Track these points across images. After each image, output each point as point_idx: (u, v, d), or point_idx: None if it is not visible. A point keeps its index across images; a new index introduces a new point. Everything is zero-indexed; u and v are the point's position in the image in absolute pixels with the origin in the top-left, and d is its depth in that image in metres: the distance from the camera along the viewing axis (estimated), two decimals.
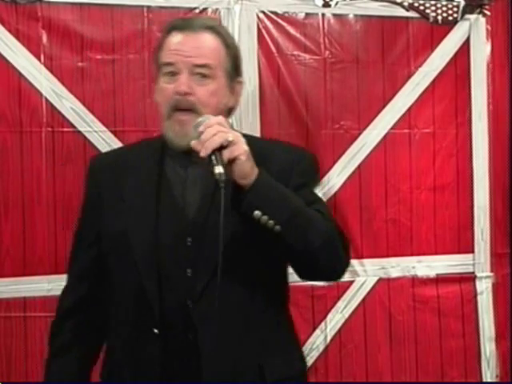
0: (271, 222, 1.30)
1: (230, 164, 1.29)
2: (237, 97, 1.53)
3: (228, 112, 1.53)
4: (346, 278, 2.81)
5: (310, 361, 2.66)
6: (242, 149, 1.30)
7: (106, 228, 1.49)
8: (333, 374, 2.78)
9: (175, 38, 1.46)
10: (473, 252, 2.99)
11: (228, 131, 1.31)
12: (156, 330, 1.41)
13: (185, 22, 1.53)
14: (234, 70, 1.50)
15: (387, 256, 2.89)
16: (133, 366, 1.45)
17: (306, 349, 2.64)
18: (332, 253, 1.38)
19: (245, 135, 1.40)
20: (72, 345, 1.57)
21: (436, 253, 2.96)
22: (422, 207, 2.94)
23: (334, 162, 2.79)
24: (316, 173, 1.59)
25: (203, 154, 1.28)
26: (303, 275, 1.48)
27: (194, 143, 1.31)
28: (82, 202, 1.64)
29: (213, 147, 1.28)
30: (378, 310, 2.89)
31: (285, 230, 1.32)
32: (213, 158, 1.28)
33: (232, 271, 1.37)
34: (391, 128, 2.89)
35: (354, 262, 2.81)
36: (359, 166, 2.85)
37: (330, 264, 1.40)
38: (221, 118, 1.35)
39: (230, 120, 1.58)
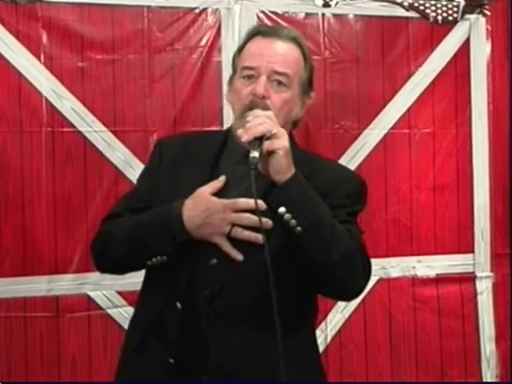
0: (293, 221, 1.33)
1: (268, 156, 1.33)
2: (304, 110, 1.58)
3: (294, 124, 1.57)
4: None
5: None
6: (282, 143, 1.34)
7: (157, 202, 1.52)
8: (333, 373, 2.78)
9: (259, 43, 1.51)
10: (473, 252, 2.99)
11: (274, 124, 1.35)
12: (179, 305, 1.44)
13: (270, 29, 1.61)
14: (309, 83, 1.57)
15: (387, 256, 2.89)
16: (153, 340, 1.48)
17: None
18: (348, 271, 1.38)
19: (304, 151, 1.51)
20: None
21: (436, 253, 2.96)
22: (422, 207, 2.94)
23: None
24: (363, 200, 1.56)
25: (245, 139, 1.33)
26: (317, 289, 1.50)
27: (239, 131, 1.36)
28: (142, 169, 1.71)
29: (255, 135, 1.33)
30: (378, 310, 2.89)
31: (305, 234, 1.33)
32: (252, 145, 1.32)
33: (260, 272, 1.36)
34: (391, 128, 2.89)
35: None
36: (359, 166, 2.85)
37: (344, 282, 1.39)
38: (270, 113, 1.39)
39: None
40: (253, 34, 1.54)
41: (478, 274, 2.98)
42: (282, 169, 1.34)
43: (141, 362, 1.50)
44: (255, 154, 1.32)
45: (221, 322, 1.40)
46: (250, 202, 1.36)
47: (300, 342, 1.49)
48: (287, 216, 1.33)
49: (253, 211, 1.37)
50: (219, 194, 1.47)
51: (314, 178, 1.44)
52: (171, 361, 1.45)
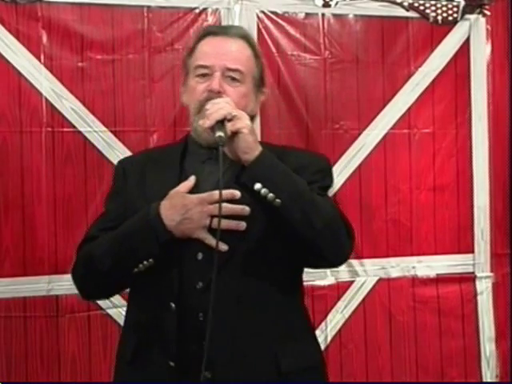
0: (271, 195, 1.33)
1: (233, 137, 1.36)
2: (259, 105, 1.60)
3: (251, 119, 1.54)
4: (346, 278, 2.82)
5: None
6: (244, 123, 1.37)
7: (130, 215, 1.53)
8: (333, 374, 2.78)
9: (211, 42, 1.54)
10: (473, 252, 2.99)
11: (233, 107, 1.40)
12: (173, 305, 1.44)
13: (220, 28, 1.66)
14: (261, 79, 1.59)
15: (387, 256, 2.89)
16: (150, 346, 1.47)
17: None
18: (334, 237, 1.39)
19: (268, 143, 1.53)
20: None
21: (436, 253, 2.96)
22: (422, 207, 2.94)
23: (334, 162, 2.78)
24: (331, 176, 1.60)
25: (207, 124, 1.36)
26: (305, 261, 1.51)
27: (201, 121, 1.40)
28: (107, 194, 1.70)
29: (216, 118, 1.36)
30: (378, 310, 2.89)
31: (285, 206, 1.33)
32: (216, 126, 1.35)
33: (249, 258, 1.44)
34: (391, 128, 2.90)
35: (353, 262, 2.81)
36: (359, 166, 2.85)
37: (331, 248, 1.40)
38: (228, 99, 1.44)
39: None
40: (203, 35, 1.57)
41: (478, 274, 2.98)
42: (250, 147, 1.36)
43: (139, 370, 1.49)
44: (220, 133, 1.34)
45: (217, 313, 1.38)
46: (224, 192, 1.37)
47: (294, 320, 1.51)
48: (264, 191, 1.33)
49: (229, 201, 1.39)
50: (191, 193, 1.47)
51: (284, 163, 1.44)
52: (172, 364, 1.44)
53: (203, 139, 1.50)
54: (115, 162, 2.59)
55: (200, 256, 1.47)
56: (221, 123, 1.36)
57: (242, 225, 1.39)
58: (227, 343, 1.42)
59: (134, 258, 1.47)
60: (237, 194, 1.38)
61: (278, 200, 1.33)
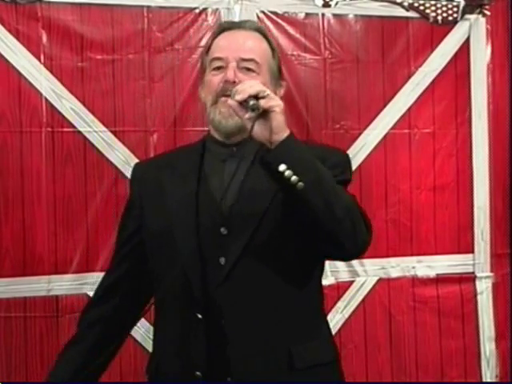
0: (295, 177, 1.28)
1: (263, 115, 1.31)
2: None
3: None
4: (346, 278, 2.82)
5: None
6: (277, 102, 1.33)
7: (150, 226, 1.53)
8: None
9: (225, 36, 1.53)
10: (473, 252, 2.99)
11: (261, 86, 1.34)
12: (200, 316, 1.42)
13: (234, 23, 1.62)
14: (278, 71, 1.56)
15: (387, 256, 2.89)
16: (182, 356, 1.46)
17: None
18: (353, 227, 1.36)
19: None
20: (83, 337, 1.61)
21: (436, 253, 2.96)
22: (422, 207, 2.94)
23: None
24: (349, 170, 1.58)
25: (239, 97, 1.31)
26: (322, 252, 1.47)
27: (229, 100, 1.35)
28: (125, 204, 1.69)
29: (250, 92, 1.31)
30: (378, 310, 2.89)
31: (308, 190, 1.29)
32: (250, 102, 1.29)
33: (265, 254, 1.42)
34: (391, 128, 2.89)
35: (353, 261, 2.81)
36: (359, 166, 2.85)
37: (350, 238, 1.37)
38: (258, 81, 1.39)
39: None
40: (218, 31, 1.56)
41: (478, 274, 2.98)
42: (280, 127, 1.32)
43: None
44: (254, 101, 1.30)
45: (235, 314, 1.40)
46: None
47: (309, 316, 1.50)
48: (288, 173, 1.28)
49: (248, 195, 1.42)
50: (211, 194, 1.48)
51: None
52: (198, 373, 1.42)
53: (222, 127, 1.47)
54: (115, 162, 2.62)
55: (222, 260, 1.45)
56: (254, 98, 1.30)
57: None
58: (243, 343, 1.41)
59: None
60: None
61: (300, 183, 1.28)
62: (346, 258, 1.62)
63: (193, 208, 1.47)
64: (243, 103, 1.32)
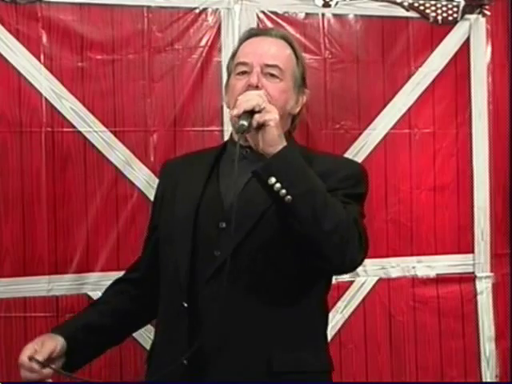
0: (283, 191, 1.32)
1: (259, 129, 1.36)
2: (300, 106, 1.63)
3: (292, 120, 1.62)
4: (346, 277, 2.82)
5: None
6: (272, 116, 1.38)
7: (161, 218, 1.67)
8: (333, 373, 2.78)
9: (251, 42, 1.60)
10: (473, 252, 2.99)
11: (264, 100, 1.40)
12: (185, 304, 1.47)
13: (261, 30, 1.71)
14: (302, 79, 1.62)
15: (387, 256, 2.89)
16: (165, 343, 1.54)
17: None
18: (342, 242, 1.36)
19: (303, 146, 1.62)
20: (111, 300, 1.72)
21: (436, 253, 2.96)
22: (422, 207, 2.94)
23: None
24: (363, 183, 1.57)
25: (235, 113, 1.39)
26: (313, 264, 1.47)
27: (230, 110, 1.45)
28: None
29: (245, 108, 1.38)
30: (378, 310, 2.89)
31: (296, 203, 1.32)
32: (242, 116, 1.36)
33: (259, 254, 1.46)
34: (391, 128, 2.89)
35: None
36: None
37: (337, 254, 1.37)
38: (261, 92, 1.46)
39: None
40: (245, 38, 1.63)
41: (478, 274, 2.98)
42: (274, 140, 1.35)
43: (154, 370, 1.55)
44: (244, 122, 1.36)
45: (221, 309, 1.41)
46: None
47: (299, 329, 1.50)
48: (277, 186, 1.32)
49: (245, 202, 1.45)
50: (219, 194, 1.54)
51: (311, 167, 1.45)
52: (185, 362, 1.44)
53: (234, 130, 1.52)
54: (115, 162, 2.62)
55: (217, 253, 1.50)
56: (249, 113, 1.37)
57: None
58: (222, 339, 1.44)
59: None
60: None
61: (288, 197, 1.32)
62: (334, 272, 1.62)
63: (195, 205, 1.54)
64: (240, 116, 1.38)
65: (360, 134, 2.86)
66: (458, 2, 2.94)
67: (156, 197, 1.77)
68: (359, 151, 2.85)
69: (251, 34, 1.63)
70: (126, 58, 2.64)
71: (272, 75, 1.52)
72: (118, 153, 2.62)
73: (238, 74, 1.55)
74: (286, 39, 1.61)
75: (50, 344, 1.55)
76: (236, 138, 1.47)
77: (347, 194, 1.47)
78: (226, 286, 1.36)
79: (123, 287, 1.73)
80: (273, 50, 1.55)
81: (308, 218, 1.33)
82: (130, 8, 2.64)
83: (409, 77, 2.90)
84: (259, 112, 1.37)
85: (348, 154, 2.83)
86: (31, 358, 1.58)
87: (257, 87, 1.48)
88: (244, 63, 1.54)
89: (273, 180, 1.33)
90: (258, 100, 1.38)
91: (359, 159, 2.84)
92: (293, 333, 1.48)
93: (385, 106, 2.88)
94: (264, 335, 1.45)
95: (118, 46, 2.63)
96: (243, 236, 1.45)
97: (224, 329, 1.43)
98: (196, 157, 1.74)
